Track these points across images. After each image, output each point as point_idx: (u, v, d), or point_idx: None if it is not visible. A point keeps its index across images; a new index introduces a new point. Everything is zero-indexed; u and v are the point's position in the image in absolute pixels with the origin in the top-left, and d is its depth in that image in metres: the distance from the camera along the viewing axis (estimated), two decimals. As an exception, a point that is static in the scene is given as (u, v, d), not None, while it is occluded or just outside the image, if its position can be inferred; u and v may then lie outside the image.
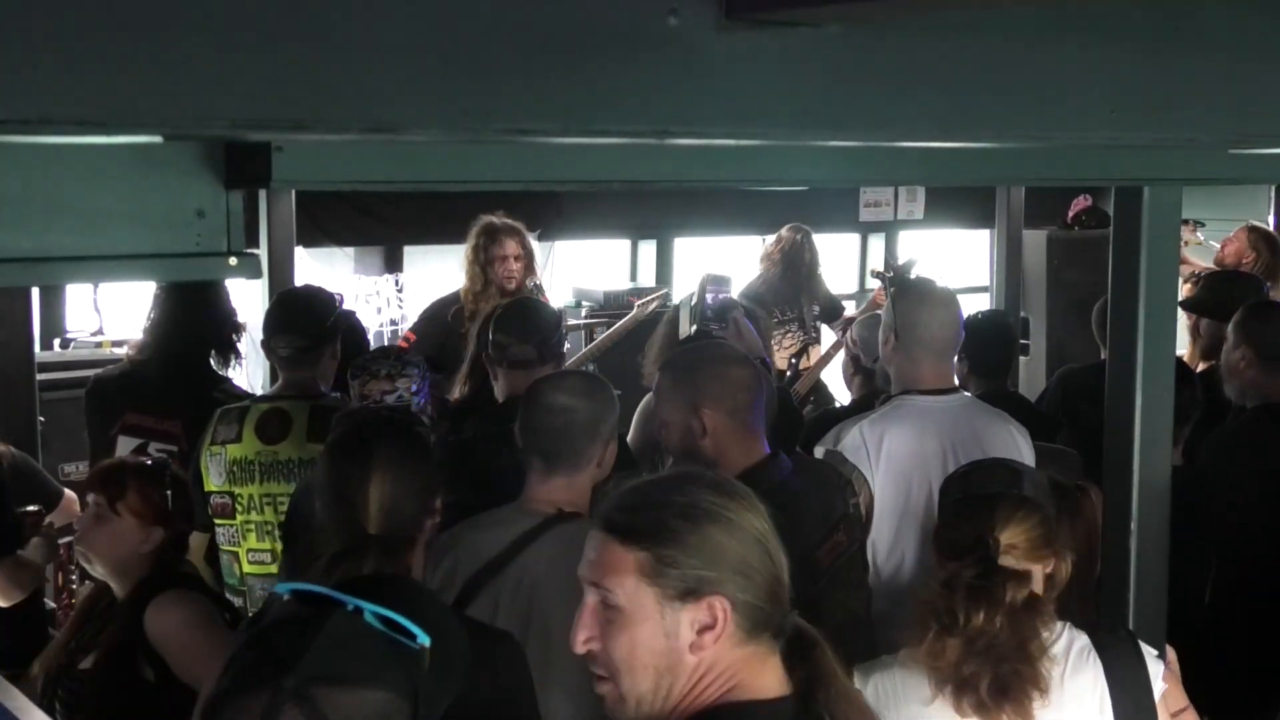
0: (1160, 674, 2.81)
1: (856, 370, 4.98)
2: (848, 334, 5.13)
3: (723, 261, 9.09)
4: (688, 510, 1.92)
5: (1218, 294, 5.51)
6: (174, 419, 4.59)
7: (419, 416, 3.91)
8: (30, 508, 4.40)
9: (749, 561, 1.92)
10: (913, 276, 5.87)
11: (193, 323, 4.62)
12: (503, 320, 4.28)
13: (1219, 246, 7.49)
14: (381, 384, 4.04)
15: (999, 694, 2.63)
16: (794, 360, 6.54)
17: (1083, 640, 2.78)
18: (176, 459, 4.50)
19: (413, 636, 1.82)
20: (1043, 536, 2.78)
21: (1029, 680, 2.64)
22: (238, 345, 4.72)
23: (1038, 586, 2.78)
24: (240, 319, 4.80)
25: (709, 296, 4.97)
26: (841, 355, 5.39)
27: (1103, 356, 5.66)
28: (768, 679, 1.94)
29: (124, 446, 4.58)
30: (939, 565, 2.81)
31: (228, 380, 4.77)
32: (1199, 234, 8.00)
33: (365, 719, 1.79)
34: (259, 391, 4.59)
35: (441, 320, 5.98)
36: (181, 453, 4.54)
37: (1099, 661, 2.76)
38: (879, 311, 5.43)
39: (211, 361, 4.70)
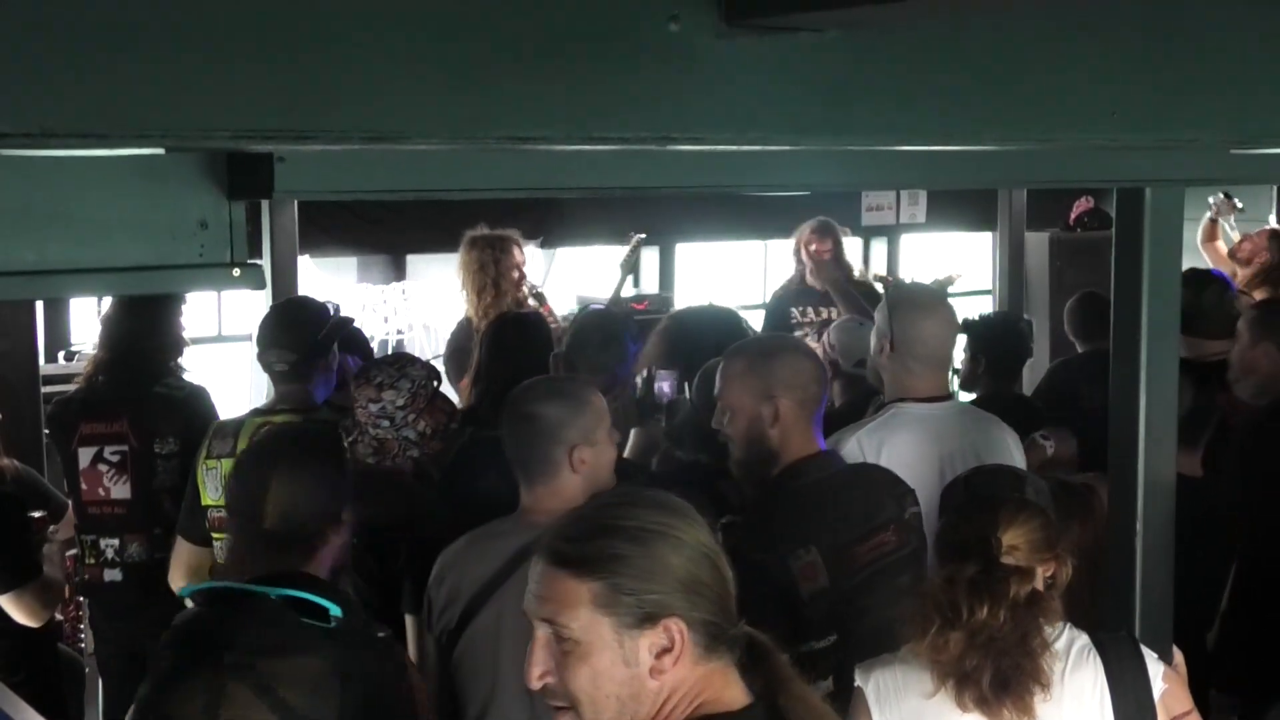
0: (1160, 674, 2.82)
1: (836, 375, 4.89)
2: (824, 339, 5.07)
3: (713, 273, 9.11)
4: (635, 533, 1.89)
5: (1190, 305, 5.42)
6: (120, 419, 4.59)
7: (334, 428, 3.79)
8: (35, 513, 4.44)
9: (699, 578, 1.89)
10: (908, 280, 5.77)
11: (130, 326, 4.62)
12: (585, 338, 4.05)
13: (1237, 239, 7.48)
14: (368, 392, 3.93)
15: (1000, 688, 2.65)
16: None
17: (1083, 639, 2.80)
18: (129, 458, 4.51)
19: (325, 614, 1.84)
20: (1044, 539, 2.79)
21: (1030, 675, 2.66)
22: (165, 359, 4.69)
23: (1037, 587, 2.78)
24: (184, 340, 4.77)
25: (662, 386, 4.50)
26: None
27: (1080, 351, 5.72)
28: (731, 691, 1.93)
29: (84, 458, 4.61)
30: (939, 568, 2.82)
31: (171, 374, 4.72)
32: (1234, 220, 7.69)
33: (305, 687, 1.79)
34: (261, 403, 4.58)
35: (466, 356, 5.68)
36: (131, 449, 4.56)
37: (1099, 660, 2.77)
38: (852, 317, 5.39)
39: (156, 360, 4.67)
